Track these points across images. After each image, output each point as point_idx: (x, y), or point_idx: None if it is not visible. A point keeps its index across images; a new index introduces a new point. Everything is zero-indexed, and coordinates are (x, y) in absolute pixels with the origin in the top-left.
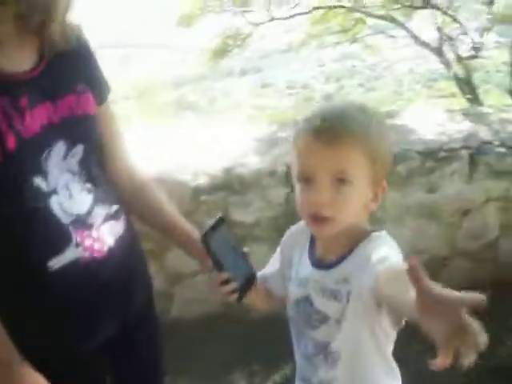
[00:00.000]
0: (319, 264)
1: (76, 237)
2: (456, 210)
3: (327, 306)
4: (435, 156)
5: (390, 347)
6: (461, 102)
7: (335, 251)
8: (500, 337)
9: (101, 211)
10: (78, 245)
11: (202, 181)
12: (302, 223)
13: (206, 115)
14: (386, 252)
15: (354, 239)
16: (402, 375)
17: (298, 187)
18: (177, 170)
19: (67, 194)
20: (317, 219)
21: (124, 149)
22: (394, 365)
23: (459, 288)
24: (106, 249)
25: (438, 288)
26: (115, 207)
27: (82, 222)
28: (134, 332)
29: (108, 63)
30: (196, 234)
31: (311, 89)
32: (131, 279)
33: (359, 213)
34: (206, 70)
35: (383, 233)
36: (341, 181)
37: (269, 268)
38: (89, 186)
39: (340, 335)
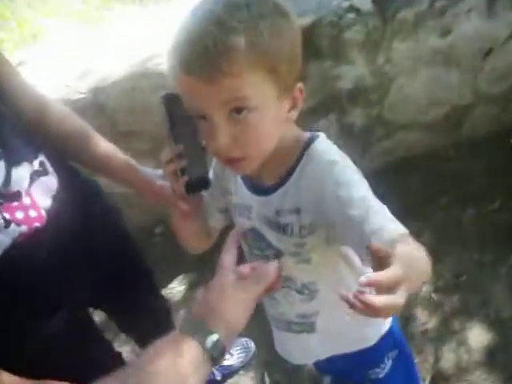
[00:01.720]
0: (256, 189)
1: (3, 215)
2: (476, 52)
3: (278, 240)
4: None
5: None
6: None
7: (271, 172)
8: None
9: (22, 173)
10: (8, 224)
11: None
12: None
13: None
14: (348, 188)
15: (290, 154)
16: (428, 227)
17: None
18: (152, 60)
19: None
20: (229, 161)
21: (22, 83)
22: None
23: (486, 137)
24: (43, 213)
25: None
26: (38, 159)
27: (4, 196)
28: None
29: None
30: (133, 161)
31: None
32: (91, 231)
33: (278, 132)
34: None
35: (321, 140)
36: (239, 111)
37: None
38: None
39: (308, 268)
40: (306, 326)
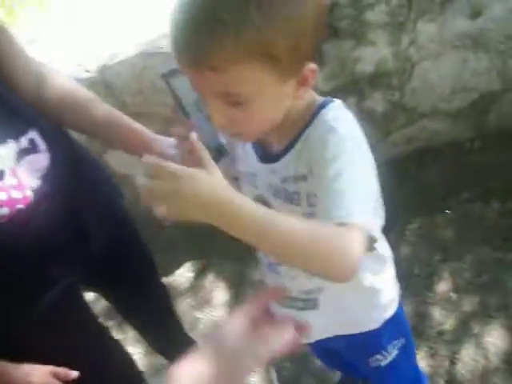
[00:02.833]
0: (264, 156)
1: None
2: (508, 35)
3: (285, 210)
4: None
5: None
6: None
7: (280, 138)
8: None
9: (7, 151)
10: None
11: None
12: None
13: None
14: (330, 162)
15: (300, 120)
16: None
17: None
18: (163, 39)
19: None
20: (230, 134)
21: (19, 55)
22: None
23: None
24: (29, 193)
25: None
26: (27, 136)
27: None
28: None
29: None
30: (137, 126)
31: None
32: (82, 209)
33: (283, 108)
34: None
35: (334, 106)
36: (233, 103)
37: None
38: None
39: None
40: (308, 302)
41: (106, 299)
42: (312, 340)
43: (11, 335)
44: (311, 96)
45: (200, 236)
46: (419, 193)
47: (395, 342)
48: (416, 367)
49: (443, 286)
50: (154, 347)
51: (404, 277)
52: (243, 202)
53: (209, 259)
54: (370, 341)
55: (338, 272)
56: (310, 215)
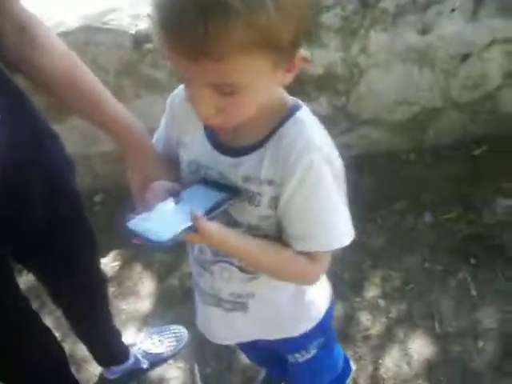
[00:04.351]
0: (224, 148)
1: None
2: (453, 55)
3: (238, 208)
4: None
5: None
6: None
7: (248, 133)
8: (489, 202)
9: None
10: None
11: (144, 26)
12: None
13: None
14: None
15: (273, 116)
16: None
17: None
18: (109, 14)
19: None
20: (209, 123)
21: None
22: None
23: (450, 145)
24: None
25: None
26: None
27: None
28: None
29: None
30: (128, 118)
31: None
32: (29, 180)
33: (268, 97)
34: None
35: (305, 111)
36: (227, 92)
37: (160, 133)
38: None
39: None
40: (236, 304)
41: (36, 275)
42: (231, 343)
43: None
44: (282, 94)
45: None
46: (353, 200)
47: (315, 342)
48: (337, 360)
49: (372, 292)
50: (77, 331)
51: (333, 281)
52: (235, 239)
53: (138, 249)
54: (291, 344)
55: (301, 284)
56: (268, 218)
